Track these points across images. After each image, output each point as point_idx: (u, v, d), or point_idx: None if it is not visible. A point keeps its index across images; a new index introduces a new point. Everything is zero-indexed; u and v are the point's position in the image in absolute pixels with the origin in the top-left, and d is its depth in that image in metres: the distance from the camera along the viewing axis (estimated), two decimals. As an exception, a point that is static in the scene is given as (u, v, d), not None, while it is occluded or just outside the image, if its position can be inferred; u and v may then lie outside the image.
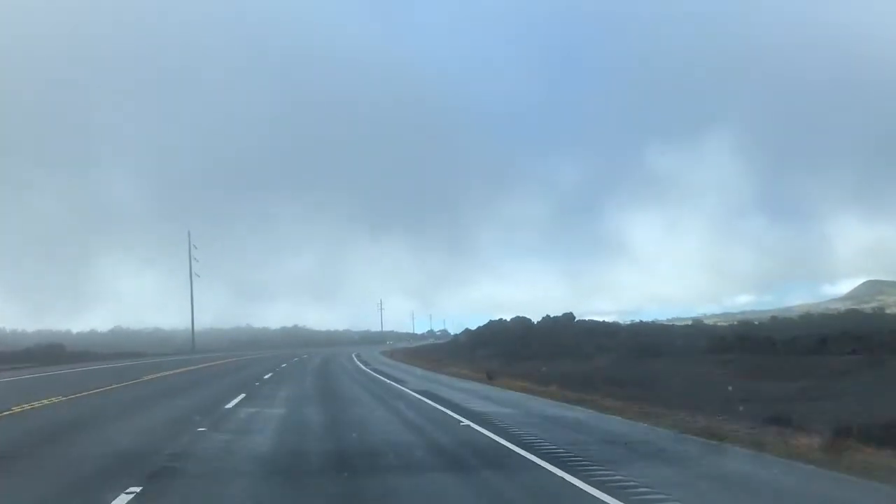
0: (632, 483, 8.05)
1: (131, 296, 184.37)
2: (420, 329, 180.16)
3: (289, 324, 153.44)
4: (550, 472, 8.84)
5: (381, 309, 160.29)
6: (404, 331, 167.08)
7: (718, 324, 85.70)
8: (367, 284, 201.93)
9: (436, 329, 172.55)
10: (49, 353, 56.52)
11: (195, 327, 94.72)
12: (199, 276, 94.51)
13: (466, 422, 13.97)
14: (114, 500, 7.34)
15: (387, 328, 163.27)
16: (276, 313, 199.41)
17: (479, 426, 13.21)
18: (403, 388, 23.67)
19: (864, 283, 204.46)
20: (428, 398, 19.43)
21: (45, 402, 18.53)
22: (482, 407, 17.01)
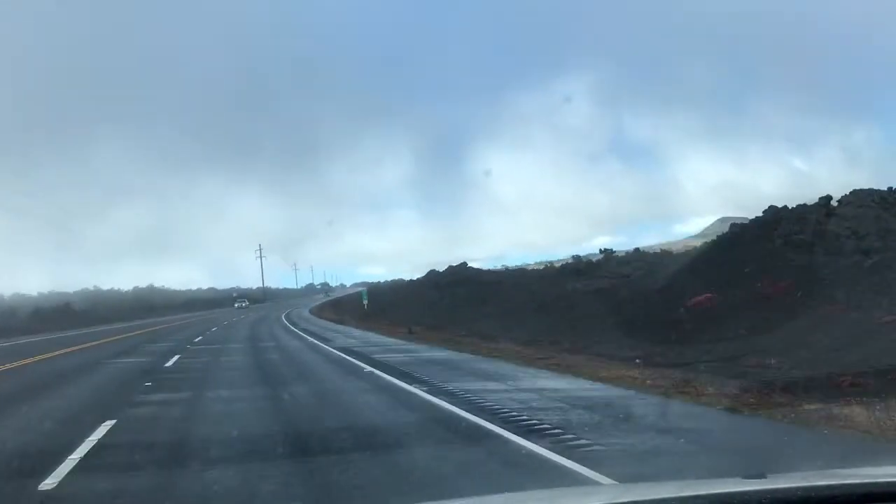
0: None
1: None
2: (300, 284, 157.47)
3: (142, 284, 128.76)
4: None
5: (261, 257, 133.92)
6: (283, 286, 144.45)
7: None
8: (228, 237, 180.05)
9: (317, 283, 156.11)
10: None
11: (26, 294, 75.23)
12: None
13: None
14: None
15: (256, 284, 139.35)
16: (124, 273, 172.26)
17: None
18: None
19: (716, 221, 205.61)
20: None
21: None
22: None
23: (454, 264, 57.35)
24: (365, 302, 44.92)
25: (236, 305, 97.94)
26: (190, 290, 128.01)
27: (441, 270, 61.74)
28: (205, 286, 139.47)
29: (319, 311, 64.10)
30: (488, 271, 60.27)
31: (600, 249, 51.09)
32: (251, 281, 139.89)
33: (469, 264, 56.49)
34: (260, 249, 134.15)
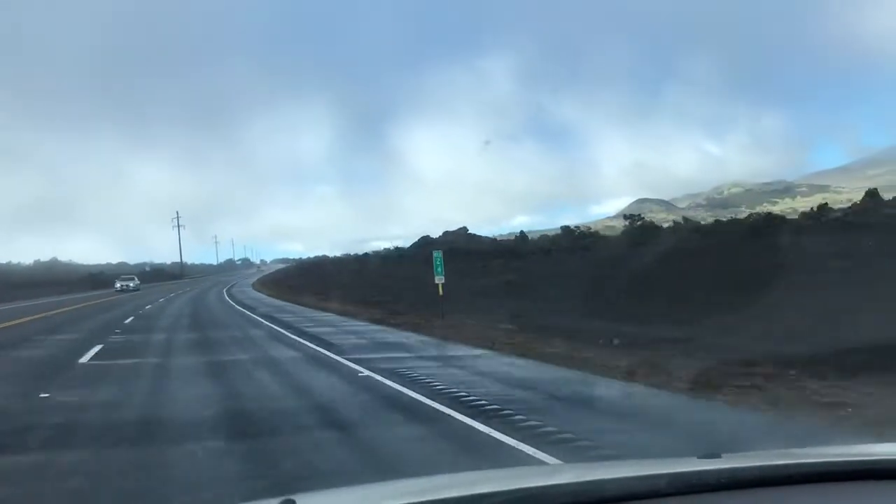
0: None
1: None
2: (220, 259, 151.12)
3: (44, 257, 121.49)
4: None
5: (178, 226, 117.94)
6: (201, 262, 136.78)
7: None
8: (140, 209, 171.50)
9: (237, 258, 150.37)
10: None
11: None
12: None
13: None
14: None
15: (172, 259, 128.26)
16: (23, 246, 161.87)
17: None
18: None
19: (635, 202, 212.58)
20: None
21: None
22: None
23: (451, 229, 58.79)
24: (439, 280, 26.24)
25: (118, 286, 64.87)
26: (98, 265, 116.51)
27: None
28: (115, 260, 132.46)
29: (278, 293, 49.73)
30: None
31: (522, 231, 52.92)
32: (166, 255, 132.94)
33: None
34: (178, 217, 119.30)
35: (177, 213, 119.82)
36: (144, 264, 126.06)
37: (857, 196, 47.65)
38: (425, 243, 55.97)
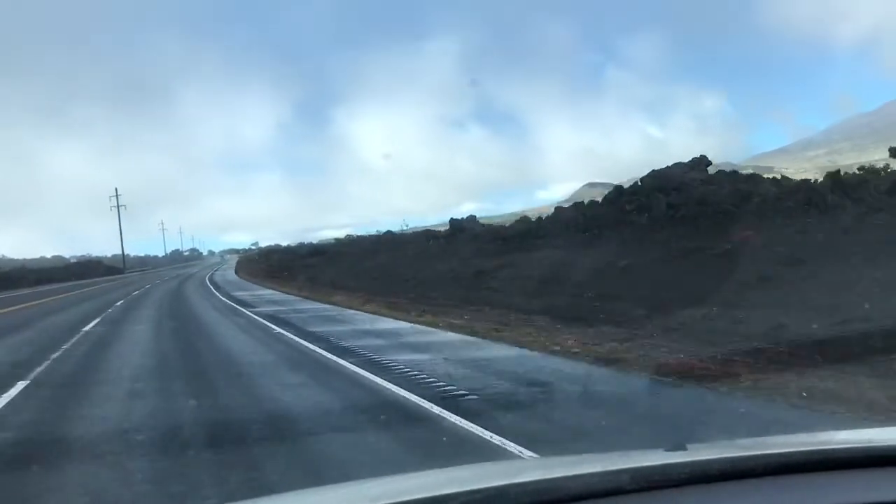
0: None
1: None
2: (167, 251, 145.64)
3: None
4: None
5: (117, 206, 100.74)
6: (146, 254, 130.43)
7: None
8: (74, 199, 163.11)
9: (184, 249, 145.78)
10: None
11: None
12: None
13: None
14: None
15: (113, 251, 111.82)
16: None
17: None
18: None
19: (584, 186, 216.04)
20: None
21: None
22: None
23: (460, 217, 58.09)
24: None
25: None
26: (31, 259, 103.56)
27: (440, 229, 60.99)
28: (49, 254, 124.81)
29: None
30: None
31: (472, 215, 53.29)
32: (106, 246, 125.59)
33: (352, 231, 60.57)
34: (117, 194, 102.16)
35: (115, 189, 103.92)
36: (81, 257, 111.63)
37: (801, 176, 48.86)
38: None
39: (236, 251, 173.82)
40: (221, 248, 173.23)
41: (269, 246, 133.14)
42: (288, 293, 32.16)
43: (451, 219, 52.93)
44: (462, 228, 49.35)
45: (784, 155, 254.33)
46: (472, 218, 54.37)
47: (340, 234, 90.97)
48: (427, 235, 55.15)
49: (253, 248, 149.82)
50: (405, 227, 74.92)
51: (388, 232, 66.42)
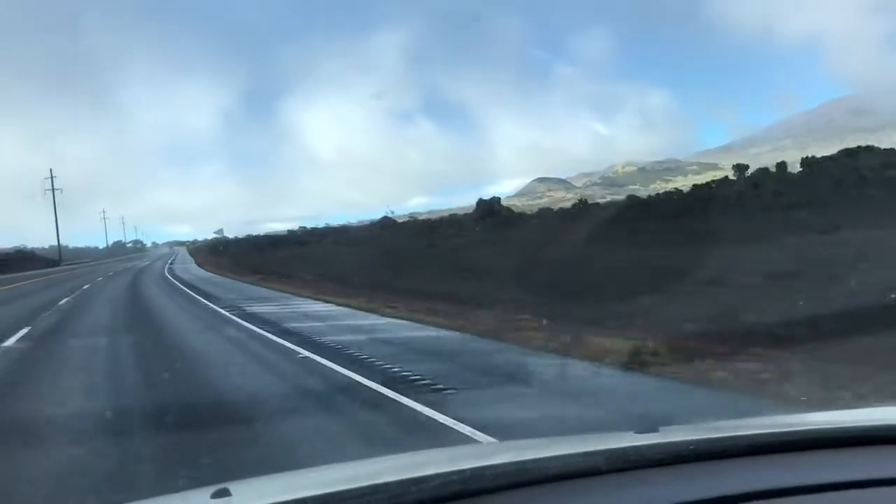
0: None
1: None
2: (108, 242, 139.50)
3: None
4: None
5: (52, 189, 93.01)
6: (86, 245, 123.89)
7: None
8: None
9: (127, 241, 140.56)
10: None
11: None
12: None
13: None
14: None
15: (49, 242, 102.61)
16: None
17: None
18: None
19: (532, 182, 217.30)
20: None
21: None
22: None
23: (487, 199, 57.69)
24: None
25: None
26: None
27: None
28: None
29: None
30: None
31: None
32: (42, 237, 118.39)
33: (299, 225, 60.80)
34: (52, 176, 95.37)
35: (50, 171, 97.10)
36: (14, 249, 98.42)
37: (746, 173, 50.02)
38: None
39: (181, 243, 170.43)
40: (165, 240, 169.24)
41: (217, 237, 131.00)
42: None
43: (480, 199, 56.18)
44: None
45: (729, 151, 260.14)
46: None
47: (287, 226, 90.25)
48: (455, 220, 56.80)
49: (196, 240, 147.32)
50: (391, 213, 75.84)
51: (385, 218, 67.70)
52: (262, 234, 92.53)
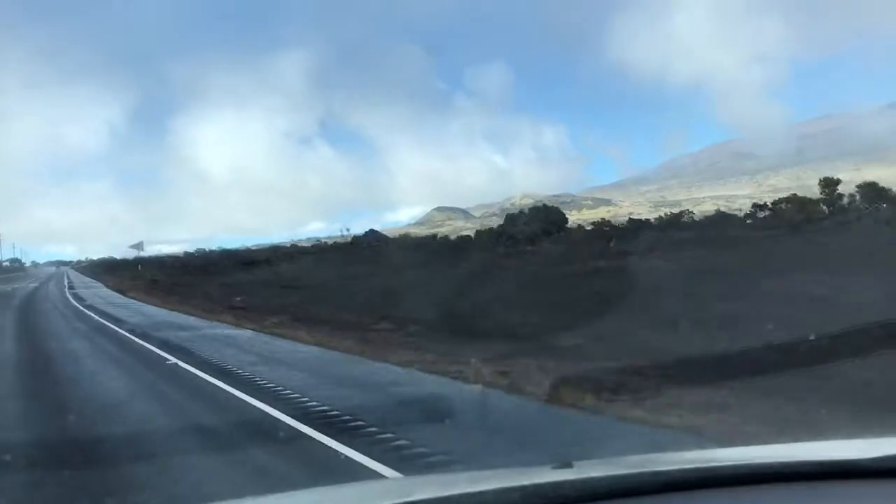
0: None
1: None
2: None
3: None
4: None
5: None
6: None
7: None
8: None
9: (4, 259, 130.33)
10: None
11: None
12: None
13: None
14: None
15: None
16: None
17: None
18: None
19: (433, 210, 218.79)
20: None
21: None
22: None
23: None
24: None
25: None
26: None
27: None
28: None
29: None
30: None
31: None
32: None
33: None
34: None
35: None
36: None
37: (637, 209, 52.01)
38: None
39: (65, 263, 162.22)
40: (46, 260, 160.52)
41: (103, 258, 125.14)
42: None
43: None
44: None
45: (620, 188, 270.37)
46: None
47: (178, 248, 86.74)
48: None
49: (81, 260, 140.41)
50: (345, 233, 73.98)
51: (372, 231, 66.40)
52: (148, 255, 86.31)
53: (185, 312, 26.39)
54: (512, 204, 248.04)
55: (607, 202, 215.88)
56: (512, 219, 44.54)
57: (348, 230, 70.85)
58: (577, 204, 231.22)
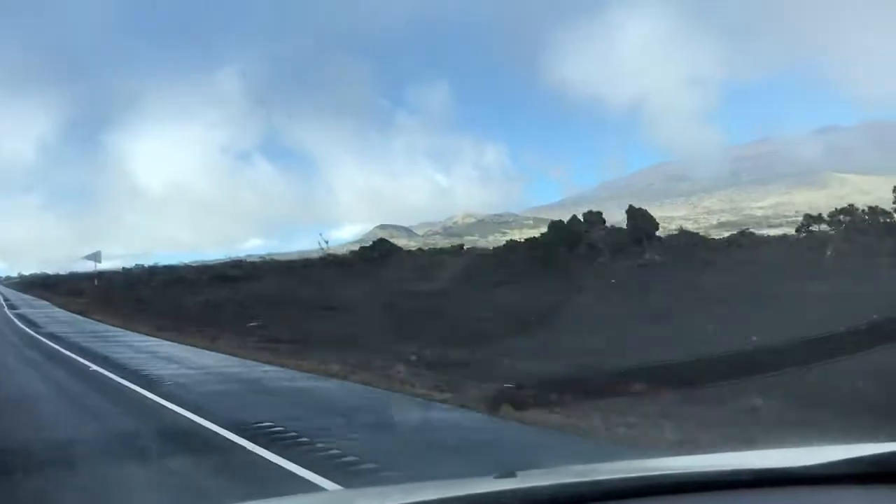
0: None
1: None
2: None
3: None
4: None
5: None
6: None
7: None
8: None
9: None
10: None
11: None
12: None
13: None
14: None
15: None
16: None
17: None
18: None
19: (376, 228, 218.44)
20: None
21: None
22: None
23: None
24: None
25: None
26: None
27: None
28: None
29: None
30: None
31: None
32: None
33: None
34: None
35: None
36: None
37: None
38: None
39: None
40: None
41: (34, 274, 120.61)
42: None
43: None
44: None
45: (558, 208, 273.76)
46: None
47: (114, 264, 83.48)
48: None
49: (10, 276, 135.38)
50: (324, 246, 71.18)
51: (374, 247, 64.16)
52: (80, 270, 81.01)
53: (224, 352, 18.55)
54: (455, 223, 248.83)
55: (547, 222, 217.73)
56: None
57: (327, 242, 68.22)
58: (518, 223, 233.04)
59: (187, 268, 66.40)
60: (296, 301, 30.20)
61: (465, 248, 63.14)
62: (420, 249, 65.64)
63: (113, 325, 28.84)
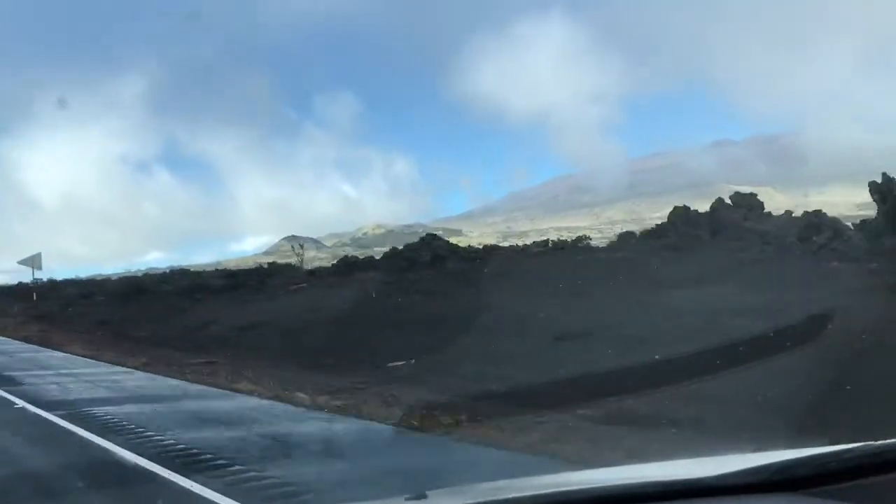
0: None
1: None
2: None
3: None
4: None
5: None
6: None
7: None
8: None
9: None
10: None
11: None
12: None
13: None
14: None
15: None
16: None
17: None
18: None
19: (283, 240, 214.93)
20: None
21: None
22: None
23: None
24: None
25: None
26: None
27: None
28: None
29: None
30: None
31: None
32: None
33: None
34: None
35: None
36: None
37: (486, 240, 53.28)
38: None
39: None
40: None
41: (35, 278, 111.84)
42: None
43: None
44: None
45: (469, 219, 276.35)
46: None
47: (5, 278, 78.25)
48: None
49: None
50: (299, 253, 67.32)
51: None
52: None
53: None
54: (364, 234, 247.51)
55: (458, 232, 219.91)
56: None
57: (301, 246, 64.02)
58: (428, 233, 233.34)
59: (92, 281, 61.72)
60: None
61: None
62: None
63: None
